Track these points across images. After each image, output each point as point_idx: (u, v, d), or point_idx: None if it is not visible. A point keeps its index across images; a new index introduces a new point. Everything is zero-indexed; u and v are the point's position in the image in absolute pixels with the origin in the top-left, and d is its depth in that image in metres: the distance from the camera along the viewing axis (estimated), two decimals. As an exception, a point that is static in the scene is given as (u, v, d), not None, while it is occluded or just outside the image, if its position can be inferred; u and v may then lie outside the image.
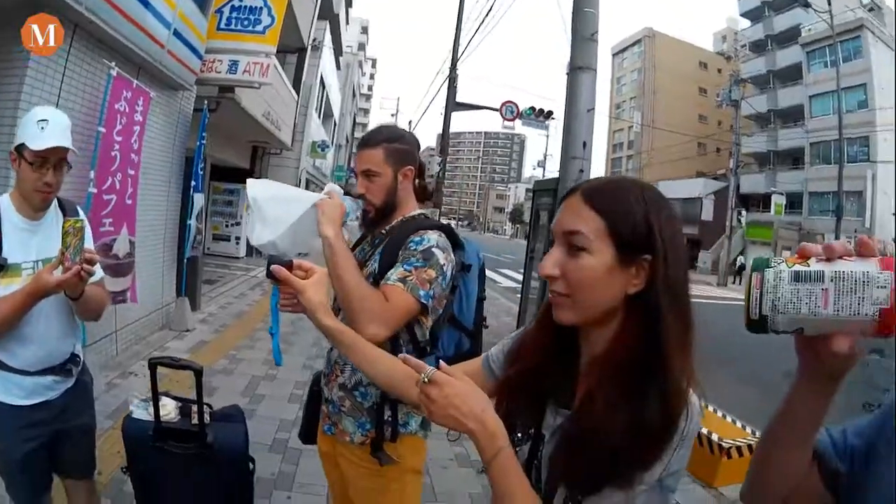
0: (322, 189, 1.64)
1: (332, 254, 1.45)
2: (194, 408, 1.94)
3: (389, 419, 1.61)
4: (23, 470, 1.86)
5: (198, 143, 6.50)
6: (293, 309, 1.27)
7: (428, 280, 1.49)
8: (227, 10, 6.69)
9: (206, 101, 6.77)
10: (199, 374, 1.92)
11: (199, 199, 6.53)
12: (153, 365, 1.92)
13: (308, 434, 1.89)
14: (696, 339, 0.86)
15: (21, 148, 1.71)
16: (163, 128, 5.93)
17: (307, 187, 18.08)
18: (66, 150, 1.76)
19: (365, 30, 58.58)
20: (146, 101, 4.93)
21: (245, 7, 6.70)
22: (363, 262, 1.68)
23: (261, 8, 6.69)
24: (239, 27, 6.69)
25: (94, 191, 4.15)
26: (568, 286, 0.89)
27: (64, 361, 1.88)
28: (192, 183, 6.43)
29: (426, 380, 0.90)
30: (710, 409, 4.18)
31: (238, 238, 14.06)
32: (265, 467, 3.41)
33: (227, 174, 13.19)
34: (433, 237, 1.57)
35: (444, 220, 2.52)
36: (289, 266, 1.21)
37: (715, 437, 3.72)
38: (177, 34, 5.35)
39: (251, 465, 2.10)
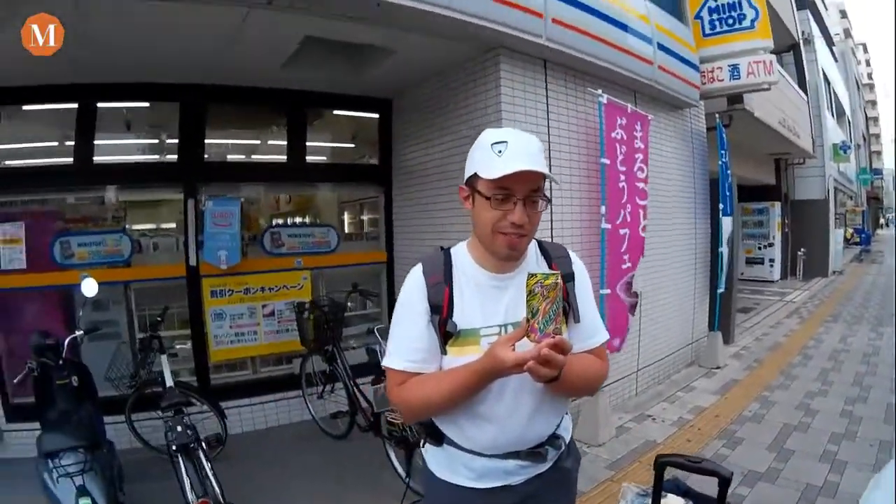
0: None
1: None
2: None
3: None
4: None
5: (720, 163, 6.11)
6: None
7: None
8: (705, 14, 6.19)
9: (717, 116, 6.32)
10: (725, 482, 1.59)
11: (727, 224, 6.02)
12: (661, 465, 1.69)
13: None
14: None
15: (473, 180, 1.30)
16: (677, 151, 5.70)
17: (835, 197, 17.16)
18: (536, 176, 1.25)
19: (844, 14, 48.59)
20: (644, 125, 4.51)
21: (723, 5, 6.11)
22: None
23: (739, 2, 5.99)
24: (724, 28, 6.12)
25: (608, 227, 3.91)
26: None
27: (537, 445, 1.40)
28: (720, 206, 6.03)
29: None
30: None
31: (772, 261, 13.38)
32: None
33: (752, 193, 12.67)
34: None
35: None
36: None
37: None
38: (662, 48, 4.90)
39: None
